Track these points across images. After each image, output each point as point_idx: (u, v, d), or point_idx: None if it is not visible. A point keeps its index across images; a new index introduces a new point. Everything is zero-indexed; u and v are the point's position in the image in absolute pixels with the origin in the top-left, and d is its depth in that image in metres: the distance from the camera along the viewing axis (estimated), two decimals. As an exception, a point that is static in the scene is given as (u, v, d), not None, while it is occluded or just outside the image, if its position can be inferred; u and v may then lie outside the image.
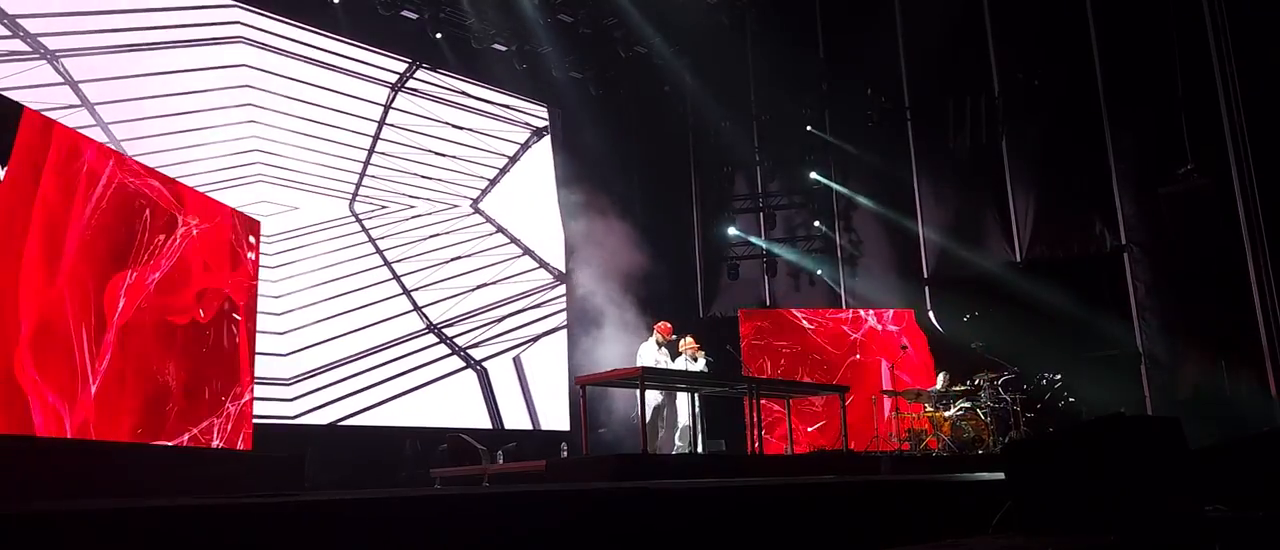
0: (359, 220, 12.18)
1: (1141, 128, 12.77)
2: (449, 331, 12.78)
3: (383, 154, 12.67)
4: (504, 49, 14.05)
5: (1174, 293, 12.22)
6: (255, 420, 9.28)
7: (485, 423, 12.67)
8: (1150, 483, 3.28)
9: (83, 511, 2.24)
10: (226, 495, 3.12)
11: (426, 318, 12.58)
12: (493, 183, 13.93)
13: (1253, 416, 10.59)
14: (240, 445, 8.33)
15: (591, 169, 14.38)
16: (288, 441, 9.86)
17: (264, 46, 11.63)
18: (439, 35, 13.19)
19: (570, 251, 14.39)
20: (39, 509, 2.25)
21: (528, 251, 14.14)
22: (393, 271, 12.38)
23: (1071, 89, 13.39)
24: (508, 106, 14.46)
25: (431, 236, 12.92)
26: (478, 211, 13.63)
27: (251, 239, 8.97)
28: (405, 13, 12.92)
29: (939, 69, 14.50)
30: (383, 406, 11.78)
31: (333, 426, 11.19)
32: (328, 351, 11.46)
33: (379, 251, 12.30)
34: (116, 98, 9.95)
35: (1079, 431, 3.49)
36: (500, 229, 13.85)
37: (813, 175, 15.39)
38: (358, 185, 12.27)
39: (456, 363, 12.76)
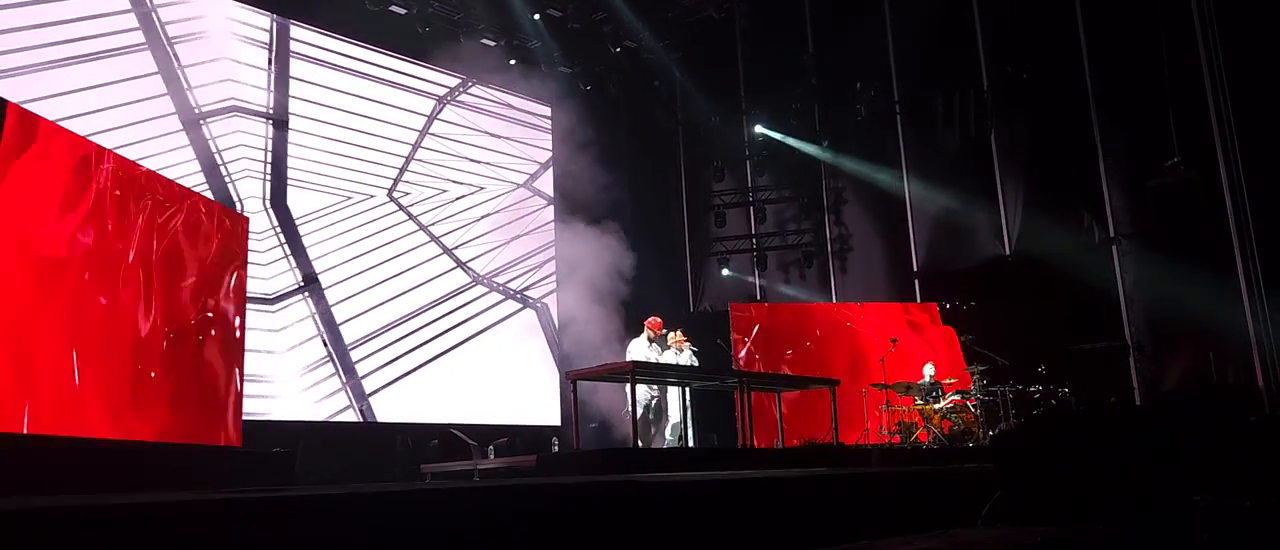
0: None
1: (1129, 121, 12.81)
2: (438, 321, 12.75)
3: (362, 143, 12.63)
4: (493, 44, 14.02)
5: (1162, 285, 12.27)
6: (247, 417, 9.26)
7: (476, 418, 12.66)
8: (1137, 473, 3.30)
9: (64, 508, 2.23)
10: (215, 491, 3.11)
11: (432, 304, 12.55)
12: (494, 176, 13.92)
13: (1241, 407, 10.64)
14: (230, 442, 8.31)
15: (581, 162, 14.36)
16: (280, 438, 9.83)
17: (250, 42, 11.58)
18: (427, 28, 13.14)
19: (559, 246, 14.38)
20: (19, 506, 2.24)
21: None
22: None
23: (1060, 83, 13.43)
24: (499, 101, 14.43)
25: (420, 225, 12.89)
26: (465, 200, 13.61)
27: (240, 233, 8.94)
28: (394, 8, 12.88)
29: (928, 63, 14.54)
30: (375, 402, 11.76)
31: (325, 423, 11.17)
32: (317, 347, 11.44)
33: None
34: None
35: (1066, 423, 3.50)
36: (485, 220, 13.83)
37: (802, 167, 15.42)
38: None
39: (446, 354, 12.74)
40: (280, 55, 11.93)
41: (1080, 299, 12.62)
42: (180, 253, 7.81)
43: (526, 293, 14.03)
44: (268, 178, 11.40)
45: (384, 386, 11.96)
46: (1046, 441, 3.54)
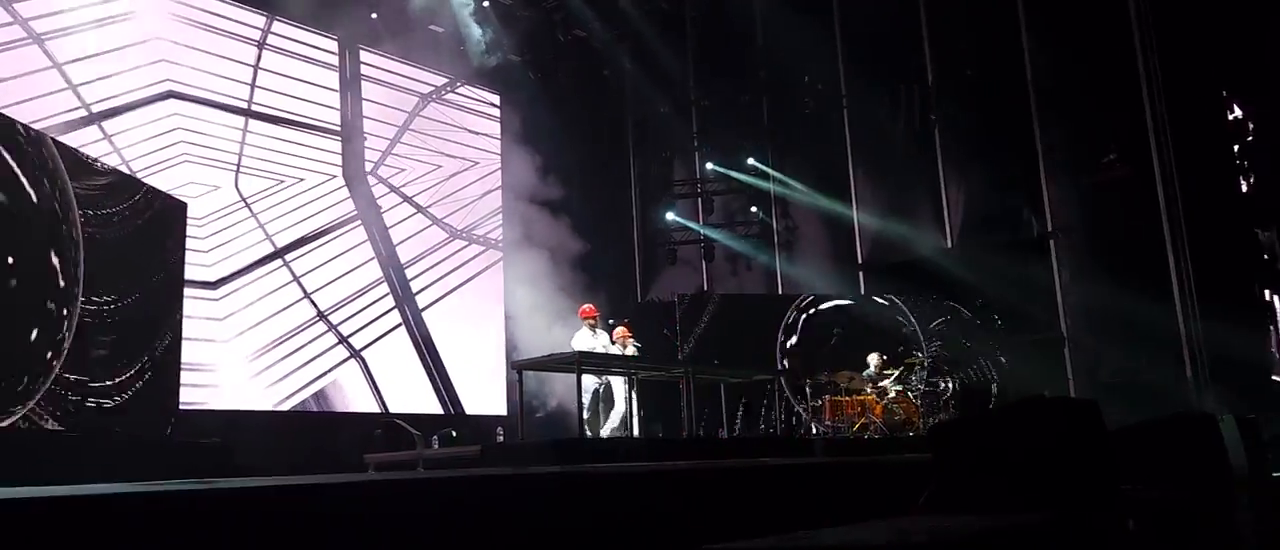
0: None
1: (1068, 117, 13.10)
2: (380, 315, 12.63)
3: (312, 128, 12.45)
4: (441, 30, 13.88)
5: (1097, 278, 12.59)
6: (185, 406, 9.10)
7: (421, 407, 12.57)
8: (1068, 463, 3.38)
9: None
10: (143, 483, 3.05)
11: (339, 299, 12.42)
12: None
13: (1170, 399, 10.97)
14: (164, 431, 8.16)
15: (531, 153, 14.29)
16: (219, 427, 9.67)
17: (192, 22, 11.32)
18: (375, 15, 12.98)
19: (509, 235, 14.30)
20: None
21: (461, 233, 14.03)
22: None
23: (1002, 79, 13.69)
24: (446, 88, 14.29)
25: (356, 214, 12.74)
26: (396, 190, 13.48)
27: (178, 221, 8.76)
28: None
29: (875, 58, 14.74)
30: (315, 392, 11.62)
31: (266, 412, 11.01)
32: (260, 335, 11.26)
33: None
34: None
35: (1000, 413, 3.58)
36: (424, 212, 13.71)
37: (750, 161, 15.52)
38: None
39: (387, 344, 12.62)
40: (234, 40, 11.71)
41: (1019, 291, 12.90)
42: (117, 237, 7.63)
43: (474, 281, 13.94)
44: (211, 163, 11.18)
45: (326, 373, 11.82)
46: (981, 432, 3.62)
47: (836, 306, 13.55)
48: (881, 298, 13.53)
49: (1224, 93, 14.78)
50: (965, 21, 14.07)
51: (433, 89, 14.10)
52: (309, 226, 12.10)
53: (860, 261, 14.72)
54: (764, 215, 15.50)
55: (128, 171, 9.58)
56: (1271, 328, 15.82)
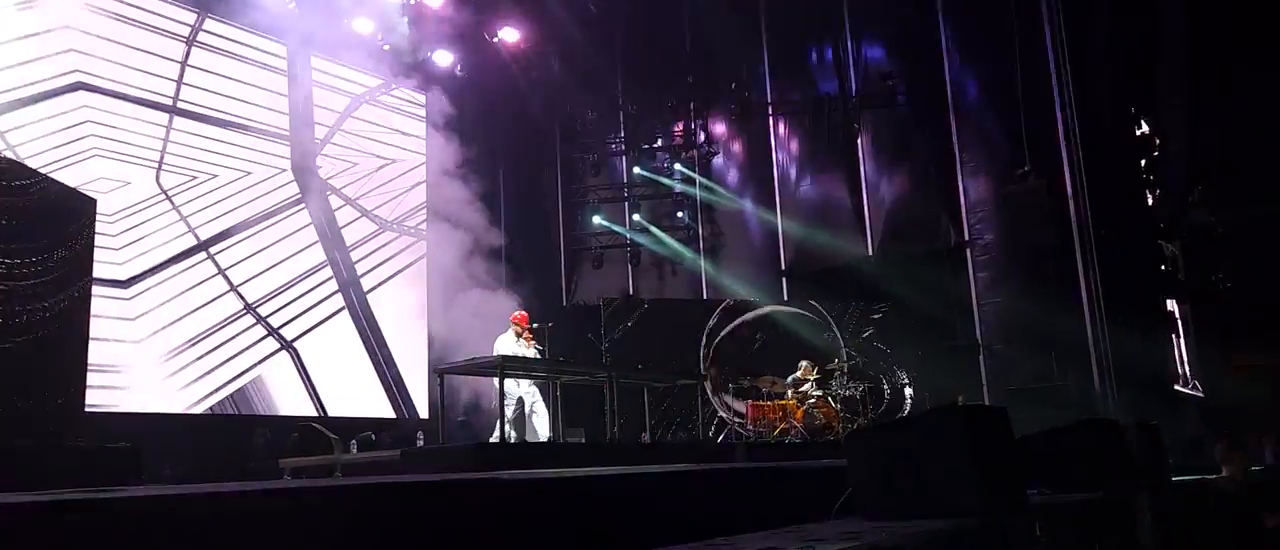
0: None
1: (986, 129, 13.47)
2: (299, 314, 12.38)
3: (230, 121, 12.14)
4: (370, 27, 13.63)
5: (1011, 287, 12.96)
6: (92, 408, 8.79)
7: (337, 410, 12.34)
8: (978, 469, 3.47)
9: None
10: (42, 491, 2.93)
11: (247, 299, 12.14)
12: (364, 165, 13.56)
13: (1079, 405, 11.33)
14: (70, 434, 7.86)
15: (456, 155, 14.13)
16: (128, 431, 9.34)
17: (122, 19, 10.95)
18: (293, 5, 12.69)
19: (432, 236, 14.13)
20: None
21: (387, 226, 13.83)
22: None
23: (923, 90, 14.03)
24: (380, 89, 14.08)
25: (277, 210, 12.46)
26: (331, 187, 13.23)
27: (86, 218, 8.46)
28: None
29: (800, 66, 14.99)
30: (228, 394, 11.32)
31: (177, 415, 10.69)
32: (177, 333, 10.94)
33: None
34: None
35: (913, 421, 3.66)
36: (352, 204, 13.49)
37: (677, 166, 15.61)
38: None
39: (323, 335, 12.40)
40: (156, 34, 11.37)
41: (937, 299, 13.20)
42: (19, 234, 7.34)
43: (395, 282, 13.74)
44: (122, 158, 10.82)
45: (251, 369, 11.54)
46: (894, 438, 3.69)
47: (760, 312, 13.70)
48: (804, 304, 13.71)
49: (1132, 109, 15.37)
50: (888, 31, 14.40)
51: (365, 90, 13.89)
52: (233, 219, 11.81)
53: (784, 268, 14.92)
54: (690, 220, 15.60)
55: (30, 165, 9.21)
56: (1174, 337, 16.47)
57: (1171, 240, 16.83)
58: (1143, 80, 14.58)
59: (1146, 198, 15.85)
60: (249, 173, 12.13)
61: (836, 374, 11.82)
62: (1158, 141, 15.84)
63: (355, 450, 9.97)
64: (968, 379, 12.77)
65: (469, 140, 14.17)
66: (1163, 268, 16.18)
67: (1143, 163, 15.87)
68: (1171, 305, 16.55)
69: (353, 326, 13.03)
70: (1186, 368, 16.75)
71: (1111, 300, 12.19)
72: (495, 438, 8.53)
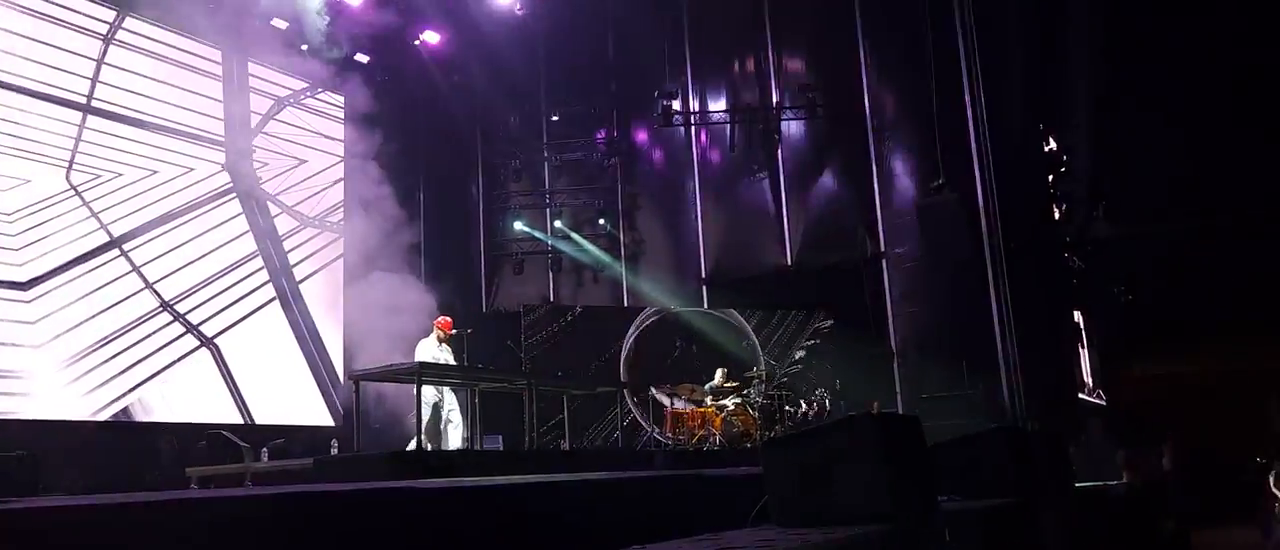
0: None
1: (902, 143, 13.80)
2: (212, 317, 12.03)
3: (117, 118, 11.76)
4: (283, 26, 13.34)
5: (924, 297, 13.29)
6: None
7: (248, 416, 12.02)
8: (890, 476, 3.54)
9: None
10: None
11: (163, 301, 11.78)
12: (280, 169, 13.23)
13: (988, 413, 11.66)
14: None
15: (375, 159, 13.90)
16: (27, 441, 8.95)
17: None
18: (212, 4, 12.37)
19: (349, 240, 13.86)
20: None
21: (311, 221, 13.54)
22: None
23: (842, 102, 14.31)
24: (289, 88, 13.77)
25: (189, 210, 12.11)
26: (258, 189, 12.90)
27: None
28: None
29: (722, 75, 15.17)
30: (135, 399, 10.94)
31: (79, 422, 10.27)
32: (83, 335, 10.52)
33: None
34: None
35: (826, 429, 3.72)
36: (277, 201, 13.18)
37: (600, 171, 15.63)
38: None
39: (219, 349, 12.04)
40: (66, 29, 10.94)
41: (853, 308, 13.46)
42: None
43: (310, 285, 13.44)
44: (22, 154, 10.38)
45: (152, 377, 11.16)
46: (809, 446, 3.74)
47: (680, 320, 13.79)
48: (724, 312, 13.83)
49: (1041, 126, 15.90)
50: (808, 45, 14.65)
51: (290, 93, 13.60)
52: (148, 216, 11.44)
53: (704, 276, 15.04)
54: (611, 227, 15.62)
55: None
56: (1079, 347, 17.07)
57: (1076, 254, 17.44)
58: (1050, 98, 15.09)
59: (1054, 212, 16.41)
60: (156, 171, 11.75)
61: (755, 382, 11.95)
62: (1064, 158, 16.40)
63: (266, 459, 9.73)
64: (883, 387, 13.03)
65: (388, 143, 13.96)
66: (1068, 280, 16.75)
67: (1050, 178, 16.43)
68: (1077, 316, 17.14)
69: (283, 321, 12.72)
70: (1091, 377, 17.36)
71: (1020, 311, 12.57)
72: (412, 445, 8.41)
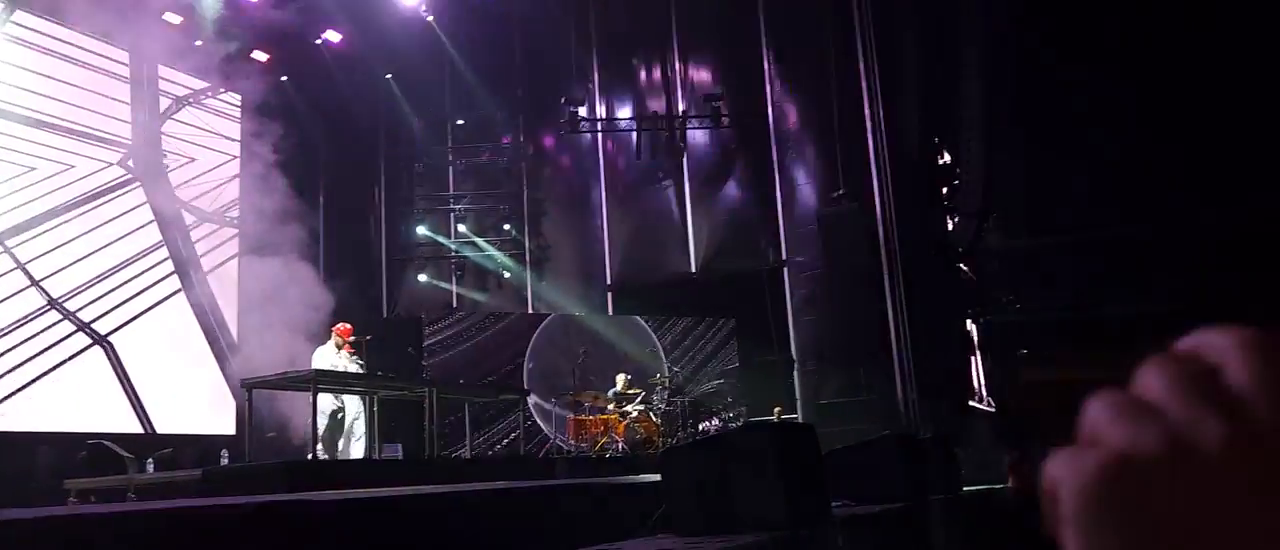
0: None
1: (804, 153, 14.08)
2: (95, 321, 11.53)
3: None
4: (178, 21, 12.89)
5: (824, 306, 13.56)
6: None
7: (137, 426, 11.56)
8: (785, 484, 3.61)
9: None
10: None
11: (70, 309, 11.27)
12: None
13: (884, 419, 11.95)
14: None
15: (271, 156, 13.52)
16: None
17: None
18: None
19: (245, 240, 13.45)
20: None
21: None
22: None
23: (747, 113, 14.53)
24: (183, 85, 13.31)
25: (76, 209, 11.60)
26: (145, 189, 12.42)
27: None
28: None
29: (629, 84, 15.23)
30: (13, 406, 10.41)
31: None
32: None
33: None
34: None
35: (724, 438, 3.77)
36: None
37: (505, 176, 15.53)
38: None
39: (98, 356, 11.55)
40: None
41: (756, 316, 13.66)
42: None
43: (201, 289, 13.00)
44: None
45: (31, 383, 10.63)
46: (707, 455, 3.79)
47: (585, 326, 13.78)
48: (628, 319, 13.88)
49: (936, 139, 16.42)
50: (714, 53, 14.83)
51: (190, 92, 13.13)
52: (31, 211, 10.90)
53: (609, 283, 15.06)
54: (516, 233, 15.53)
55: None
56: (971, 355, 17.64)
57: (969, 263, 18.04)
58: (945, 113, 15.60)
59: (948, 223, 16.95)
60: (34, 168, 11.22)
61: (658, 388, 12.01)
62: (958, 171, 16.97)
63: (152, 470, 9.36)
64: (784, 394, 13.25)
65: (287, 143, 13.58)
66: (961, 289, 17.31)
67: (945, 190, 16.98)
68: (969, 325, 17.72)
69: (181, 320, 12.26)
70: (982, 384, 17.96)
71: (915, 319, 12.93)
72: (308, 455, 8.20)
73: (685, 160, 14.95)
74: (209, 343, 12.92)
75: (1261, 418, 0.33)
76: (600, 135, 15.47)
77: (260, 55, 13.76)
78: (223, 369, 13.00)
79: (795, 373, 13.63)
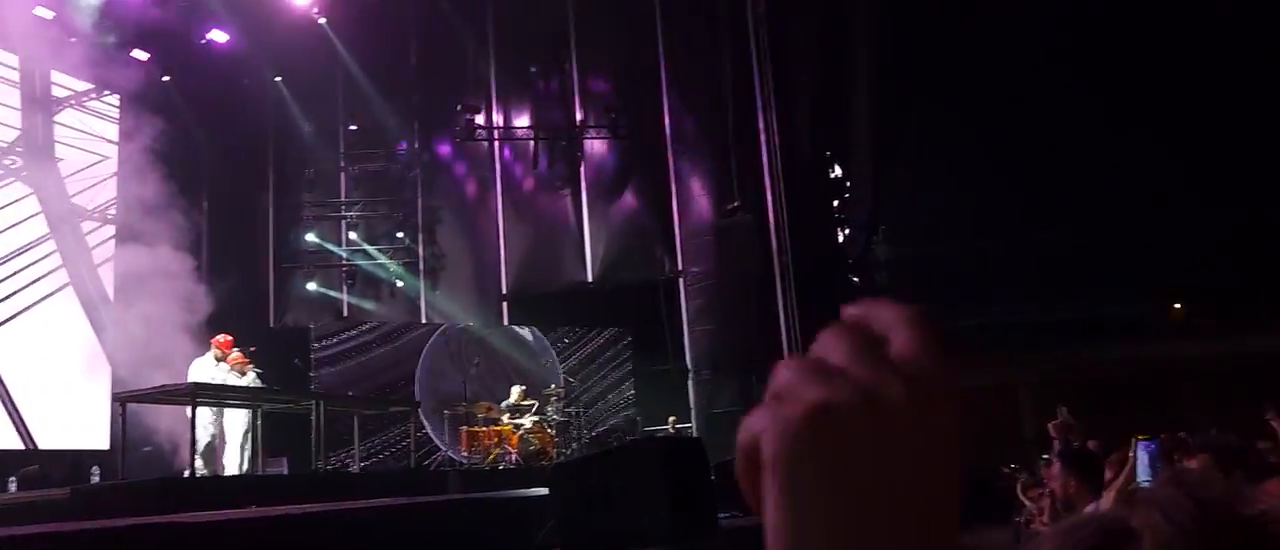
0: None
1: (700, 166, 14.25)
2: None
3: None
4: (50, 15, 12.26)
5: (719, 315, 13.74)
6: None
7: (26, 434, 10.94)
8: (671, 498, 3.62)
9: None
10: None
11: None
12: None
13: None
14: None
15: (152, 159, 12.96)
16: None
17: None
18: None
19: (121, 249, 12.86)
20: None
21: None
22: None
23: (644, 124, 14.63)
24: (60, 85, 12.69)
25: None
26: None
27: None
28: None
29: (527, 93, 15.16)
30: None
31: None
32: None
33: None
34: None
35: (610, 453, 3.78)
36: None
37: (399, 183, 15.25)
38: None
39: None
40: None
41: (653, 326, 13.76)
42: None
43: (70, 297, 12.38)
44: None
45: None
46: (595, 469, 3.78)
47: (479, 336, 13.63)
48: (524, 329, 13.79)
49: (827, 153, 16.83)
50: (613, 63, 14.89)
51: (72, 93, 12.50)
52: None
53: (505, 292, 14.95)
54: (410, 241, 15.27)
55: None
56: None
57: (858, 274, 18.55)
58: (835, 129, 16.01)
59: (838, 235, 17.39)
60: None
61: (553, 399, 11.95)
62: (847, 184, 17.43)
63: (14, 488, 8.87)
64: (679, 404, 13.36)
65: (170, 146, 13.04)
66: (851, 299, 17.76)
67: (835, 203, 17.42)
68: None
69: (60, 328, 11.65)
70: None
71: (807, 328, 13.20)
72: (185, 473, 7.90)
73: (582, 170, 14.96)
74: (84, 352, 12.31)
75: (923, 377, 0.41)
76: (497, 143, 15.36)
77: (141, 54, 13.19)
78: (97, 379, 12.40)
79: (690, 382, 13.75)
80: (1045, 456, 9.57)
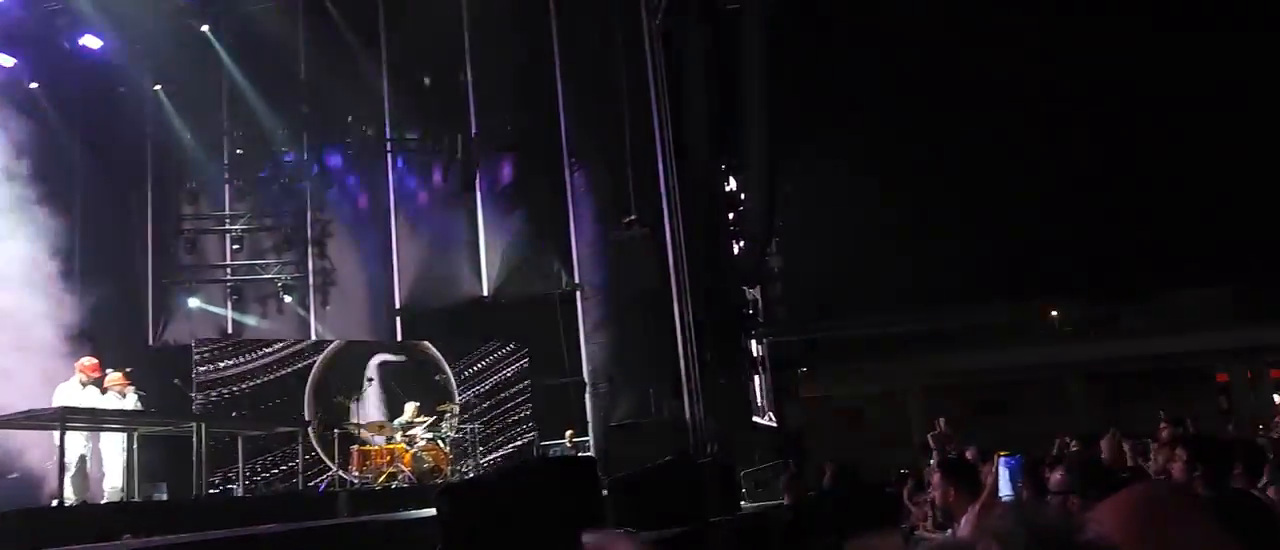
0: None
1: (597, 179, 14.24)
2: None
3: None
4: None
5: (616, 328, 13.76)
6: None
7: None
8: (558, 520, 3.59)
9: None
10: None
11: None
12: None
13: (674, 439, 12.22)
14: None
15: (18, 170, 12.26)
16: None
17: None
18: None
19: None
20: None
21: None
22: None
23: (540, 137, 14.55)
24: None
25: None
26: None
27: None
28: None
29: (421, 104, 14.90)
30: None
31: None
32: None
33: None
34: None
35: (498, 475, 3.73)
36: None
37: (287, 196, 14.81)
38: None
39: None
40: None
41: (550, 339, 13.68)
42: None
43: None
44: None
45: None
46: (485, 492, 3.72)
47: (371, 352, 13.31)
48: (417, 344, 13.54)
49: (723, 167, 17.07)
50: (508, 76, 14.75)
51: None
52: None
53: (398, 307, 14.67)
54: (299, 255, 14.84)
55: None
56: (755, 374, 18.41)
57: (752, 285, 18.86)
58: (731, 143, 16.26)
59: (733, 247, 17.64)
60: None
61: (448, 415, 11.76)
62: (742, 197, 17.72)
63: None
64: (576, 417, 13.32)
65: (38, 155, 12.38)
66: (746, 310, 18.04)
67: (731, 215, 17.67)
68: (753, 344, 18.47)
69: None
70: (764, 400, 18.75)
71: (703, 339, 13.33)
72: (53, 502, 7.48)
73: (478, 183, 14.78)
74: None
75: None
76: (391, 156, 15.06)
77: (6, 59, 12.51)
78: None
79: (587, 395, 13.72)
80: (931, 462, 9.87)
